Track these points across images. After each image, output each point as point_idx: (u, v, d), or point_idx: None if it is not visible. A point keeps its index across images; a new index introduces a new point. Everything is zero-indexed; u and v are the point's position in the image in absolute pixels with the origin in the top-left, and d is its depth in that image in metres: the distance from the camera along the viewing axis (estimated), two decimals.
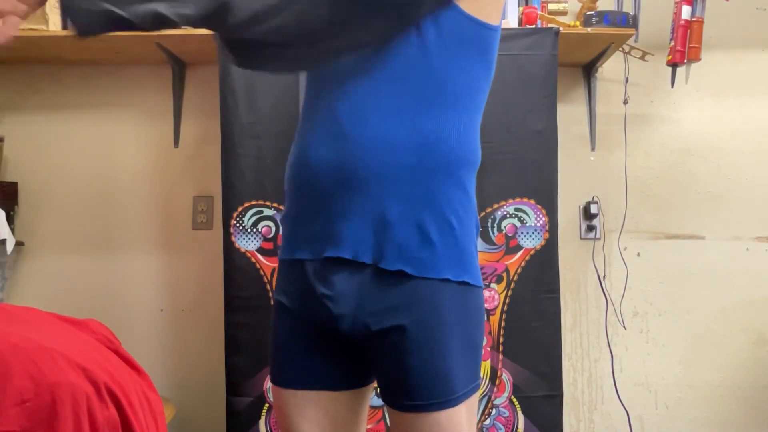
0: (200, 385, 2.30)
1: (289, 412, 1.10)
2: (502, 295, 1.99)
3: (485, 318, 1.07)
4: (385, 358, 1.03)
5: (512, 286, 1.99)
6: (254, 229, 1.98)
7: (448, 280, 1.00)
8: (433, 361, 0.99)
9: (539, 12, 2.12)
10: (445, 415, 0.99)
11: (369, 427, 1.93)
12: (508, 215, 2.00)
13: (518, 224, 2.00)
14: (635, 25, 2.18)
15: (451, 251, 1.01)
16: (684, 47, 2.07)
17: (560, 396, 2.01)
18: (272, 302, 1.16)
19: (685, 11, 2.06)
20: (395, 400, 1.03)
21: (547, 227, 2.01)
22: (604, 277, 2.34)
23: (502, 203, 1.99)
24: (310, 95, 1.08)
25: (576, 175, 2.33)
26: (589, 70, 2.34)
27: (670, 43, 2.12)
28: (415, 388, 0.99)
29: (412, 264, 0.99)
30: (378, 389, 1.09)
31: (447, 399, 0.99)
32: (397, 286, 1.00)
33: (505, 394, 1.98)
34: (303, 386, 1.08)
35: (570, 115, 2.33)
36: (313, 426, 1.09)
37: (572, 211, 2.35)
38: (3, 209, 2.18)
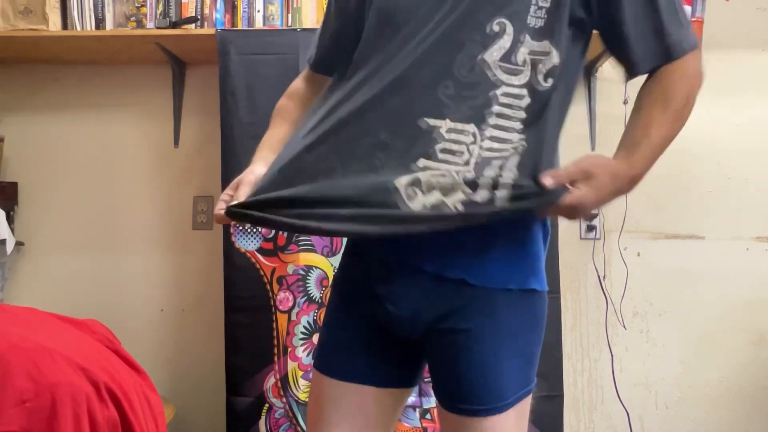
0: (200, 385, 2.30)
1: (324, 400, 1.08)
2: None
3: (545, 319, 1.06)
4: (439, 360, 1.03)
5: None
6: (254, 230, 1.98)
7: (510, 290, 0.99)
8: (485, 369, 0.99)
9: None
10: (491, 422, 0.99)
11: None
12: None
13: None
14: None
15: (516, 258, 1.00)
16: None
17: (560, 396, 2.01)
18: (330, 286, 1.15)
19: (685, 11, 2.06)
20: (445, 401, 1.04)
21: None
22: (604, 277, 2.34)
23: None
24: None
25: None
26: (589, 70, 2.34)
27: None
28: (465, 394, 1.00)
29: (473, 273, 0.98)
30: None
31: (495, 406, 0.99)
32: (457, 292, 0.99)
33: None
34: (346, 377, 1.07)
35: (570, 115, 2.33)
36: (343, 419, 1.06)
37: None
38: (3, 209, 2.18)
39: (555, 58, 0.93)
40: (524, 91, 0.92)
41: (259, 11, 2.16)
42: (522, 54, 0.92)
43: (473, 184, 0.90)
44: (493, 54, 0.92)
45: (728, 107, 2.38)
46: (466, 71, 0.92)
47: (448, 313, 1.00)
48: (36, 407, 1.24)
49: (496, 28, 0.91)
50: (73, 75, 2.38)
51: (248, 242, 1.98)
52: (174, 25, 2.10)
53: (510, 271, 0.99)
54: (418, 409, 1.97)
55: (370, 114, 0.96)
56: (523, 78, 0.92)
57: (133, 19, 2.16)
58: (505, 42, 0.91)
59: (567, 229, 2.31)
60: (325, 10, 1.18)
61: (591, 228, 2.34)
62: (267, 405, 1.96)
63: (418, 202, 0.90)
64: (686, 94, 1.04)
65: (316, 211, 0.93)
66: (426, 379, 1.95)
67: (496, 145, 0.92)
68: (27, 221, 2.35)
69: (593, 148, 2.36)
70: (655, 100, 1.05)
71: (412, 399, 1.96)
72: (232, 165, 1.98)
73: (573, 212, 0.95)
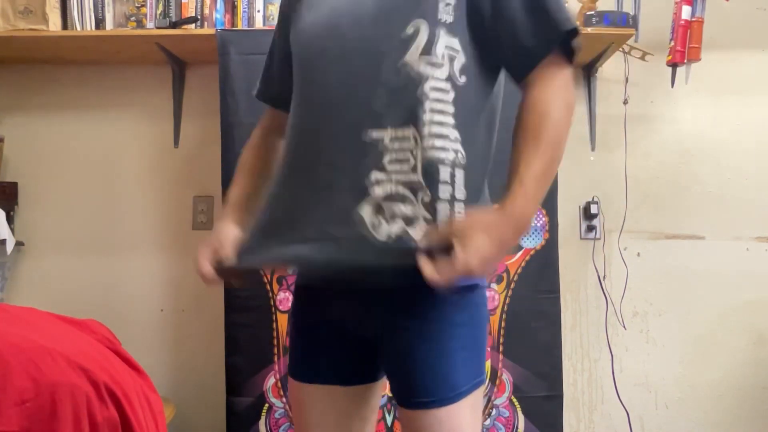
0: (200, 385, 2.30)
1: (302, 404, 1.15)
2: (502, 295, 1.98)
3: (487, 311, 1.10)
4: (392, 358, 1.07)
5: (512, 286, 1.99)
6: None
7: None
8: (435, 361, 1.02)
9: None
10: (445, 412, 1.01)
11: None
12: None
13: None
14: (635, 25, 2.18)
15: None
16: (684, 47, 2.07)
17: (560, 396, 2.01)
18: (290, 300, 1.21)
19: (685, 11, 2.06)
20: (401, 398, 1.07)
21: (547, 227, 2.01)
22: (604, 277, 2.34)
23: None
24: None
25: (576, 175, 2.33)
26: (589, 70, 2.34)
27: (670, 43, 2.12)
28: (418, 387, 1.02)
29: (417, 275, 1.00)
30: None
31: (447, 396, 1.01)
32: (403, 291, 1.02)
33: (505, 394, 1.98)
34: (315, 380, 1.13)
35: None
36: (321, 418, 1.13)
37: (572, 211, 2.35)
38: (3, 209, 2.18)
39: (462, 57, 0.97)
40: (448, 85, 0.95)
41: (259, 11, 2.16)
42: (440, 48, 0.95)
43: (432, 210, 0.93)
44: (413, 53, 0.95)
45: (728, 107, 2.38)
46: (393, 76, 0.95)
47: (397, 310, 1.03)
48: (36, 407, 1.24)
49: (410, 30, 0.95)
50: (73, 75, 2.38)
51: None
52: (174, 25, 2.10)
53: None
54: None
55: (315, 144, 1.00)
56: (445, 71, 0.95)
57: (133, 19, 2.16)
58: (422, 39, 0.95)
59: (567, 229, 2.31)
60: None
61: (591, 228, 2.34)
62: (267, 405, 1.96)
63: (383, 232, 0.93)
64: (556, 121, 0.97)
65: (292, 257, 1.01)
66: None
67: (437, 142, 0.94)
68: (27, 221, 2.35)
69: (593, 149, 2.36)
70: (523, 129, 0.98)
71: None
72: (232, 165, 1.96)
73: (458, 274, 0.90)
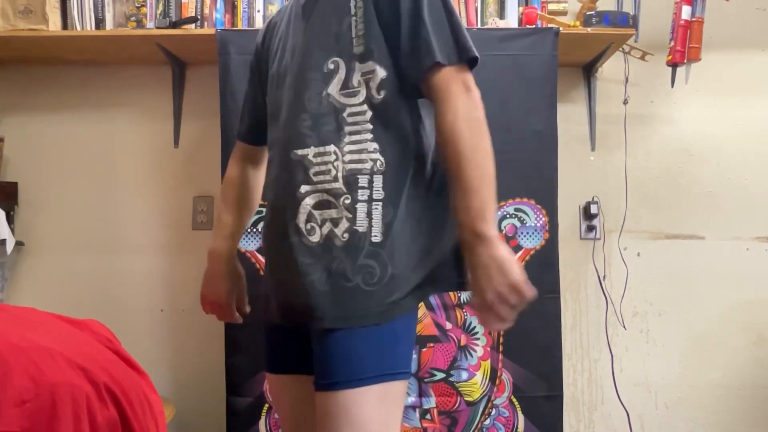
0: (200, 385, 2.30)
1: (275, 392, 1.33)
2: None
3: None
4: (311, 344, 1.14)
5: None
6: (254, 230, 1.98)
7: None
8: (334, 343, 1.08)
9: (539, 12, 2.12)
10: (346, 396, 1.06)
11: None
12: (508, 215, 2.00)
13: (518, 224, 2.00)
14: (635, 25, 2.18)
15: None
16: (684, 47, 2.07)
17: (560, 396, 2.01)
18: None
19: (685, 11, 2.06)
20: (315, 383, 1.12)
21: (547, 227, 2.01)
22: (604, 277, 2.34)
23: (502, 203, 1.99)
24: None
25: (576, 175, 2.33)
26: (589, 70, 2.34)
27: (670, 43, 2.12)
28: (322, 369, 1.09)
29: None
30: None
31: (349, 380, 1.06)
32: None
33: (505, 394, 1.98)
34: (280, 371, 1.28)
35: (570, 115, 2.33)
36: (288, 404, 1.28)
37: (572, 211, 2.35)
38: (3, 209, 2.18)
39: (381, 73, 1.09)
40: (364, 107, 1.10)
41: (259, 11, 2.16)
42: (356, 78, 1.10)
43: (353, 210, 1.08)
44: (334, 87, 1.10)
45: (728, 107, 2.39)
46: (316, 105, 1.11)
47: (310, 306, 1.10)
48: (36, 407, 1.24)
49: (331, 66, 1.11)
50: (73, 75, 2.38)
51: (248, 242, 1.98)
52: (174, 25, 2.10)
53: None
54: (418, 410, 1.97)
55: (272, 162, 1.21)
56: (361, 96, 1.10)
57: (133, 19, 2.16)
58: (341, 74, 1.10)
59: (567, 230, 2.31)
60: None
61: (591, 228, 2.34)
62: (267, 405, 1.96)
63: (316, 236, 1.09)
64: (451, 127, 1.07)
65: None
66: (425, 380, 1.96)
67: (355, 156, 1.09)
68: (27, 221, 2.35)
69: (593, 149, 2.36)
70: (444, 161, 1.12)
71: (412, 399, 1.96)
72: None
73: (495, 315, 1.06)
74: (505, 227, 2.00)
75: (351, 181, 1.08)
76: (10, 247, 2.19)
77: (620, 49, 2.20)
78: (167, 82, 2.34)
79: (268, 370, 1.31)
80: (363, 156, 1.09)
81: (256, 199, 1.47)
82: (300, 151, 1.11)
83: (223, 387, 2.00)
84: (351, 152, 1.09)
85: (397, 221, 1.08)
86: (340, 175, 1.09)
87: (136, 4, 2.16)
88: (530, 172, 1.99)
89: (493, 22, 2.12)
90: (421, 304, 1.99)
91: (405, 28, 1.08)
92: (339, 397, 1.06)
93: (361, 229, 1.07)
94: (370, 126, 1.09)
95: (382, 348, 1.09)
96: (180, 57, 2.29)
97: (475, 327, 1.99)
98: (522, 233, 2.00)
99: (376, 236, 1.07)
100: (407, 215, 1.10)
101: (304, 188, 1.11)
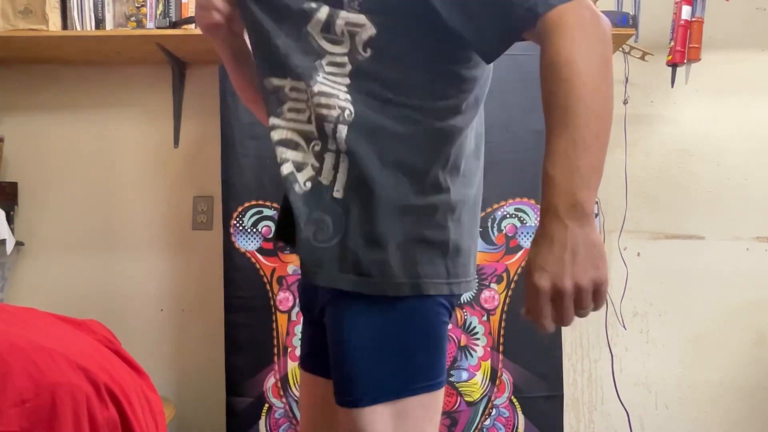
0: (200, 385, 2.30)
1: (302, 388, 1.25)
2: (502, 296, 1.99)
3: (433, 326, 1.02)
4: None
5: (512, 286, 1.99)
6: (254, 230, 1.98)
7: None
8: (338, 358, 1.02)
9: None
10: (354, 415, 0.99)
11: None
12: (508, 215, 2.00)
13: (518, 224, 2.00)
14: (635, 25, 2.18)
15: None
16: (684, 47, 2.07)
17: (560, 396, 2.01)
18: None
19: (685, 11, 2.06)
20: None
21: None
22: None
23: (502, 203, 1.99)
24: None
25: None
26: None
27: (670, 43, 2.12)
28: (335, 383, 1.04)
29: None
30: None
31: (353, 399, 0.99)
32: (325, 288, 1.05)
33: (505, 395, 1.98)
34: (307, 369, 1.22)
35: None
36: (309, 403, 1.22)
37: None
38: (3, 209, 2.18)
39: (370, 30, 0.96)
40: (345, 59, 0.98)
41: None
42: (339, 25, 0.97)
43: (321, 159, 0.98)
44: (314, 26, 0.99)
45: (728, 107, 2.38)
46: (296, 38, 1.00)
47: (323, 307, 1.06)
48: (36, 407, 1.24)
49: (313, 4, 0.98)
50: (73, 75, 2.38)
51: (248, 242, 1.98)
52: (174, 25, 2.10)
53: None
54: None
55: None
56: (345, 47, 0.98)
57: (133, 19, 2.16)
58: (321, 16, 0.98)
59: None
60: None
61: None
62: (267, 405, 1.96)
63: (299, 188, 0.99)
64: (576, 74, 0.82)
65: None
66: None
67: (323, 100, 0.98)
68: (27, 221, 2.35)
69: None
70: (546, 105, 0.86)
71: None
72: (232, 165, 1.98)
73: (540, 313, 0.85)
74: (505, 227, 2.00)
75: (321, 126, 0.98)
76: (10, 247, 2.19)
77: (620, 49, 2.20)
78: (167, 82, 2.34)
79: (300, 365, 1.25)
80: (331, 101, 0.97)
81: None
82: (276, 81, 1.02)
83: (223, 387, 2.00)
84: (320, 95, 0.98)
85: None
86: (313, 116, 0.99)
87: (136, 4, 2.16)
88: (530, 172, 1.99)
89: None
90: None
91: None
92: (347, 414, 1.01)
93: (324, 182, 0.98)
94: (347, 80, 0.98)
95: (401, 362, 1.07)
96: (180, 57, 2.29)
97: (475, 327, 1.99)
98: (522, 233, 2.00)
99: (338, 192, 0.98)
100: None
101: (272, 121, 1.02)
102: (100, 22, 2.14)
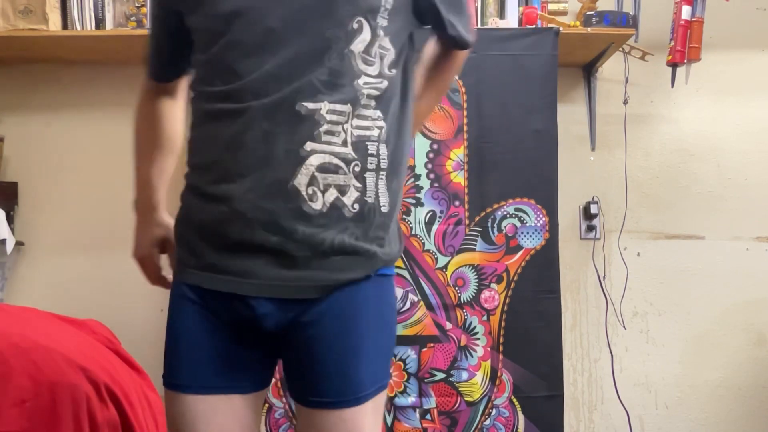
0: None
1: (192, 419, 1.04)
2: (502, 295, 1.99)
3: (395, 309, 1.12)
4: (299, 354, 1.03)
5: (512, 286, 1.99)
6: None
7: (368, 276, 1.03)
8: (344, 359, 1.01)
9: (539, 12, 2.11)
10: (349, 413, 1.00)
11: None
12: (508, 215, 2.00)
13: (518, 224, 2.00)
14: (635, 25, 2.18)
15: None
16: (684, 47, 2.07)
17: (560, 396, 2.01)
18: (172, 296, 1.22)
19: (685, 11, 2.06)
20: (303, 396, 1.04)
21: (547, 227, 2.01)
22: (604, 277, 2.34)
23: (502, 203, 1.99)
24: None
25: (576, 175, 2.33)
26: (589, 70, 2.34)
27: (670, 43, 2.12)
28: (324, 386, 1.00)
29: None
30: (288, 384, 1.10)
31: (355, 397, 1.00)
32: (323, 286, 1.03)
33: (505, 394, 1.98)
34: (213, 391, 1.05)
35: (570, 115, 2.33)
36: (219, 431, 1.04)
37: (572, 211, 2.35)
38: (3, 209, 2.18)
39: (392, 54, 1.06)
40: (378, 79, 1.04)
41: None
42: (375, 48, 1.04)
43: (362, 179, 1.01)
44: (357, 46, 1.02)
45: (728, 107, 2.39)
46: (337, 60, 1.01)
47: (310, 301, 1.01)
48: (36, 407, 1.24)
49: (356, 25, 1.02)
50: (73, 75, 2.38)
51: None
52: None
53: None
54: (418, 410, 1.97)
55: (249, 112, 1.01)
56: (376, 69, 1.04)
57: (133, 19, 2.16)
58: (366, 36, 1.03)
59: (567, 229, 2.31)
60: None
61: (591, 228, 2.34)
62: (267, 405, 1.96)
63: (319, 202, 0.99)
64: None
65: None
66: (426, 380, 1.96)
67: (362, 123, 1.02)
68: (27, 221, 2.35)
69: (593, 148, 2.36)
70: (433, 82, 1.22)
71: (412, 399, 1.96)
72: None
73: None
74: (505, 227, 2.00)
75: (360, 147, 1.02)
76: (10, 247, 2.19)
77: (620, 49, 2.20)
78: None
79: (190, 390, 1.07)
80: (369, 123, 1.03)
81: (179, 137, 1.33)
82: (311, 105, 0.99)
83: None
84: (361, 117, 1.02)
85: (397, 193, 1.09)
86: (349, 139, 1.01)
87: (136, 4, 2.16)
88: (530, 172, 2.00)
89: (493, 22, 2.12)
90: (421, 303, 2.00)
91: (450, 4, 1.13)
92: (343, 415, 1.01)
93: (370, 200, 1.02)
94: (378, 95, 1.05)
95: (386, 357, 1.10)
96: None
97: (475, 327, 1.99)
98: (522, 233, 2.00)
99: (384, 206, 1.04)
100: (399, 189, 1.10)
101: (311, 146, 0.99)
102: (100, 22, 2.14)
